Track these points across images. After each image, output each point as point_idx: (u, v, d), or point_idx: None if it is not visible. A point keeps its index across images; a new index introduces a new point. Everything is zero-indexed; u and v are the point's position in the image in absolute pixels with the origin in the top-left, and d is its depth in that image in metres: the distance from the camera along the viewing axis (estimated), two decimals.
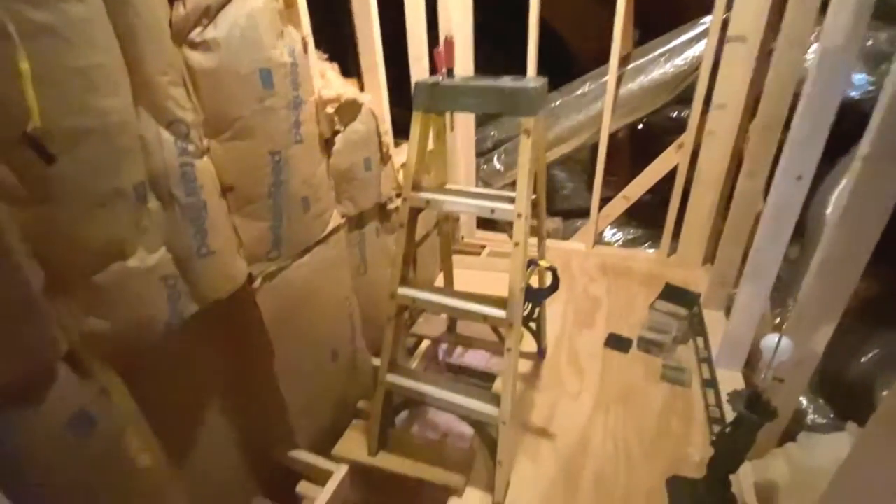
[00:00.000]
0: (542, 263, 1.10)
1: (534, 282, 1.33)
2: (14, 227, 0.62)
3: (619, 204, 2.15)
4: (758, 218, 1.47)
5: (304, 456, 1.26)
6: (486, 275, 2.06)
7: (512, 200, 0.99)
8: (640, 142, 2.82)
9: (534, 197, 1.14)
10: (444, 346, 2.02)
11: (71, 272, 0.69)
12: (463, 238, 2.38)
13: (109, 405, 0.76)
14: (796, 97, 1.23)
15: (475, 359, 1.98)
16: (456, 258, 1.62)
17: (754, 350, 1.48)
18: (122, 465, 0.78)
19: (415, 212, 1.09)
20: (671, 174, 1.99)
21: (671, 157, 1.99)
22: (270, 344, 1.10)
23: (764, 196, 1.54)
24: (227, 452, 1.19)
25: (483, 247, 2.32)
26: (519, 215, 0.96)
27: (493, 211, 0.99)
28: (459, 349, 2.03)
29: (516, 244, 0.97)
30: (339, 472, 1.21)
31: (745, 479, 1.11)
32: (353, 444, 1.27)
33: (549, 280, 1.20)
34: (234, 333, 1.12)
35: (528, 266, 1.09)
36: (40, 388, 0.67)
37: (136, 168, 0.74)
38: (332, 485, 1.17)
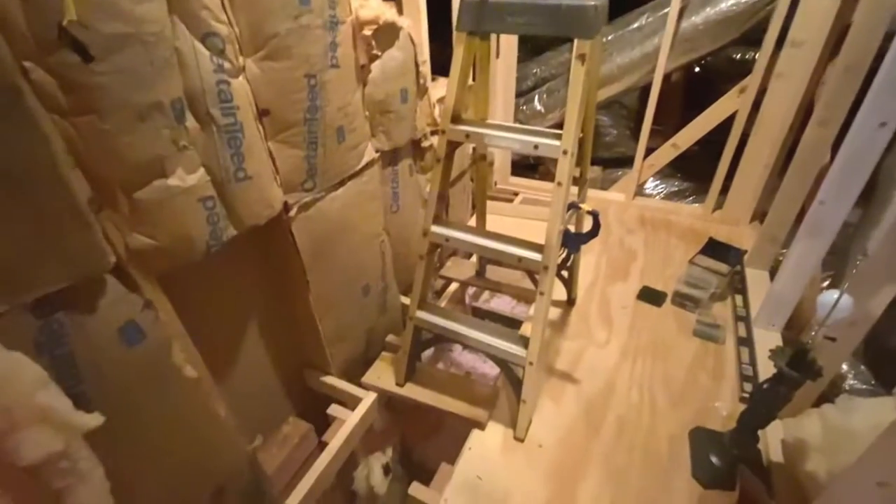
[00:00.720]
0: (584, 207, 1.05)
1: (571, 229, 1.28)
2: (58, 137, 0.62)
3: (667, 152, 2.02)
4: (822, 173, 1.35)
5: (335, 382, 1.32)
6: (517, 222, 2.02)
7: (558, 137, 0.92)
8: (694, 88, 2.60)
9: (580, 136, 1.06)
10: (471, 290, 2.03)
11: (114, 187, 0.70)
12: (496, 184, 2.32)
13: (156, 319, 0.79)
14: (888, 36, 1.08)
15: (501, 304, 1.99)
16: (487, 204, 1.58)
17: (797, 312, 1.42)
18: (171, 375, 0.83)
19: (453, 146, 1.05)
20: (726, 123, 1.84)
21: (730, 103, 1.83)
22: (305, 274, 1.12)
23: (832, 149, 1.40)
24: (265, 374, 1.26)
25: (516, 194, 2.25)
26: (565, 152, 0.90)
27: (536, 147, 0.93)
28: (486, 294, 2.05)
29: (558, 184, 0.92)
30: (368, 398, 1.27)
31: (773, 435, 1.10)
32: (382, 374, 1.31)
33: (587, 227, 1.16)
34: (271, 262, 1.15)
35: (569, 210, 1.04)
36: (91, 297, 0.70)
37: (173, 83, 0.72)
38: (361, 409, 1.23)
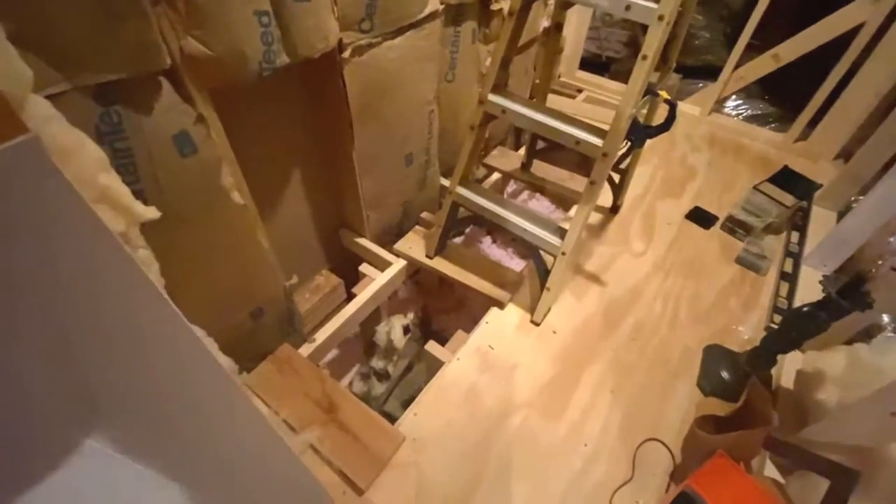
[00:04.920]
0: (662, 94, 0.94)
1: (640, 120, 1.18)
2: None
3: (764, 64, 1.76)
4: None
5: (368, 245, 1.37)
6: None
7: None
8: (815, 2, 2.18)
9: (679, 10, 0.92)
10: (510, 187, 1.98)
11: None
12: (560, 77, 2.13)
13: (208, 136, 0.79)
14: None
15: (539, 207, 1.95)
16: (547, 99, 1.45)
17: (854, 261, 1.32)
18: (220, 195, 0.86)
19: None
20: (839, 47, 1.55)
21: (858, 11, 1.53)
22: (351, 127, 1.09)
23: None
24: (304, 224, 1.31)
25: (580, 90, 2.07)
26: (660, 18, 0.78)
27: (628, 7, 0.81)
28: (525, 195, 1.99)
29: (643, 57, 0.81)
30: (398, 264, 1.32)
31: (790, 363, 1.09)
32: (414, 245, 1.34)
33: (658, 120, 1.06)
34: (319, 110, 1.12)
35: (644, 95, 0.94)
36: (147, 97, 0.70)
37: None
38: (390, 272, 1.29)
